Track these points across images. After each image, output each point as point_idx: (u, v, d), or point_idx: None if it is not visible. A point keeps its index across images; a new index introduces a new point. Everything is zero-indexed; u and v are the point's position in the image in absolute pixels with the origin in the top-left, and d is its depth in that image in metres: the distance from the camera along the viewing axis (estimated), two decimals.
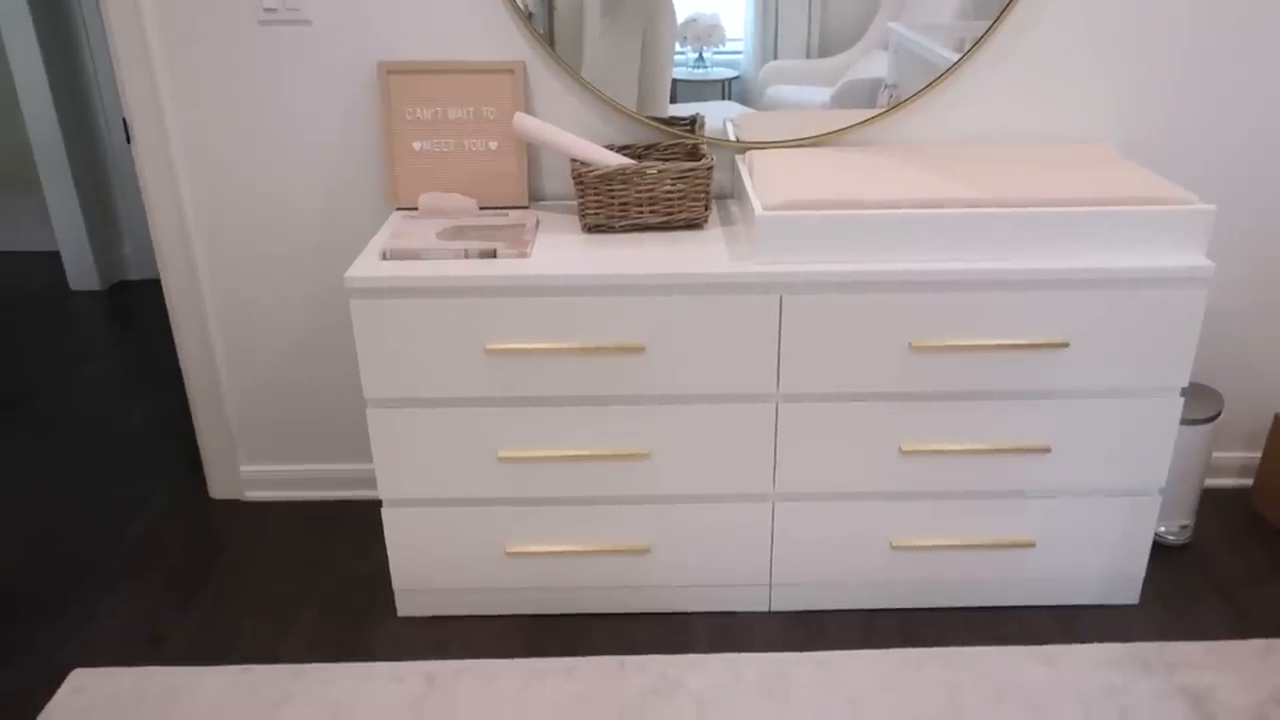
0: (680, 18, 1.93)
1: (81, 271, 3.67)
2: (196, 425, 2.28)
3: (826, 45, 1.93)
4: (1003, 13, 1.89)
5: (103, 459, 2.55)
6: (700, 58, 1.97)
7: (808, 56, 1.94)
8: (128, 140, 2.01)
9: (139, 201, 3.67)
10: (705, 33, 1.94)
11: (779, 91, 1.97)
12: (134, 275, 3.81)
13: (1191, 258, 1.66)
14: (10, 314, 3.48)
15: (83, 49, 3.48)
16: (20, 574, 2.11)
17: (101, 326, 3.38)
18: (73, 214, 3.57)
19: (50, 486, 2.44)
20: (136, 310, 3.52)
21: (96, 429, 2.70)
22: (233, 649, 1.88)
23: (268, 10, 1.89)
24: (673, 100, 1.99)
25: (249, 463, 2.32)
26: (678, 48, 1.95)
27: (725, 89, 1.99)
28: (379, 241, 1.80)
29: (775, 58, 1.95)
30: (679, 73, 1.97)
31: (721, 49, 1.96)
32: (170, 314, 2.16)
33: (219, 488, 2.35)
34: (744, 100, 1.99)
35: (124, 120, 2.00)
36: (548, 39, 1.91)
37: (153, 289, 3.69)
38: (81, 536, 2.23)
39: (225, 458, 2.31)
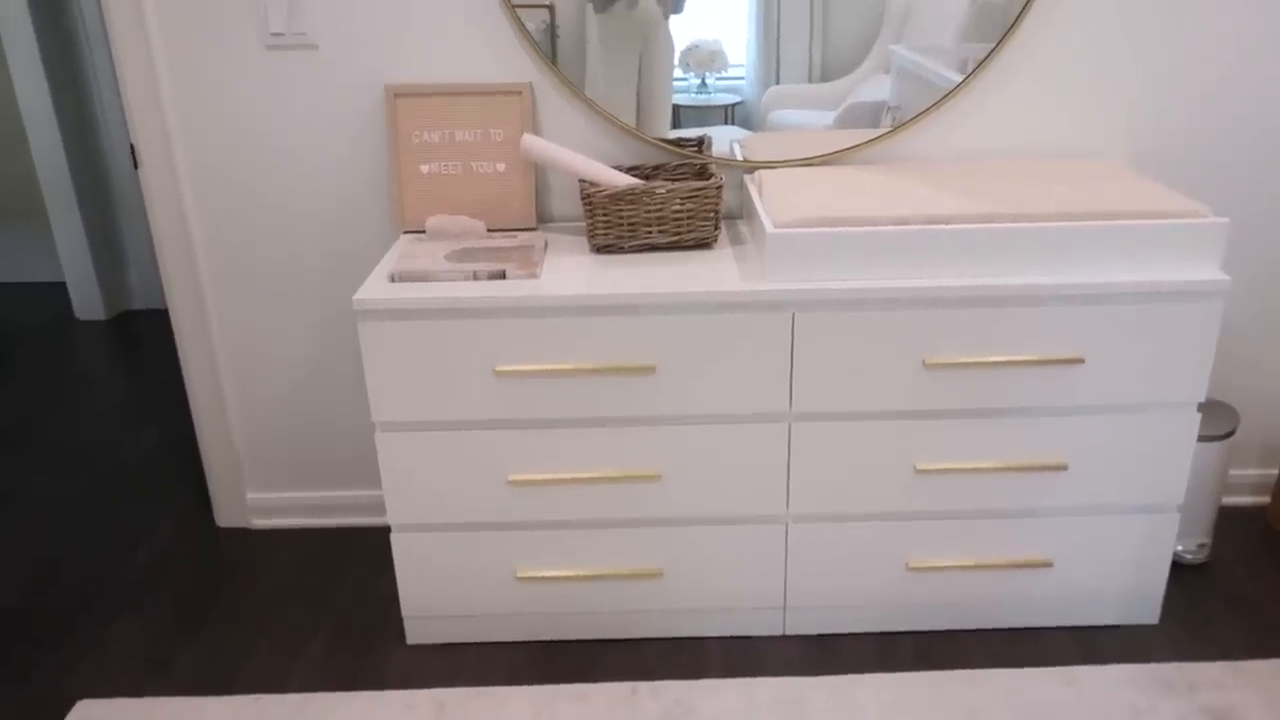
0: (681, 44, 1.93)
1: (87, 301, 3.67)
2: (203, 453, 2.26)
3: (829, 69, 1.93)
4: (1006, 34, 1.89)
5: (108, 488, 2.54)
6: (703, 83, 1.97)
7: (810, 80, 1.94)
8: (135, 166, 2.01)
9: (144, 230, 3.67)
10: (707, 59, 1.95)
11: (782, 116, 1.97)
12: (139, 305, 3.81)
13: (1206, 271, 1.65)
14: (16, 344, 3.47)
15: (89, 78, 3.50)
16: (26, 602, 2.08)
17: (107, 355, 3.38)
18: (78, 244, 3.57)
19: (56, 515, 2.42)
20: (142, 339, 3.51)
21: (102, 458, 2.69)
22: (240, 678, 1.86)
23: (275, 35, 1.89)
24: (675, 126, 1.99)
25: (256, 490, 2.30)
26: (680, 74, 1.95)
27: (728, 114, 1.99)
28: (387, 264, 1.80)
29: (778, 82, 1.95)
30: (682, 98, 1.98)
31: (724, 74, 1.96)
32: (177, 339, 2.15)
33: (225, 516, 2.33)
34: (747, 125, 1.99)
35: (131, 146, 2.00)
36: (551, 61, 1.91)
37: (157, 318, 3.68)
38: (87, 565, 2.21)
39: (232, 485, 2.29)
